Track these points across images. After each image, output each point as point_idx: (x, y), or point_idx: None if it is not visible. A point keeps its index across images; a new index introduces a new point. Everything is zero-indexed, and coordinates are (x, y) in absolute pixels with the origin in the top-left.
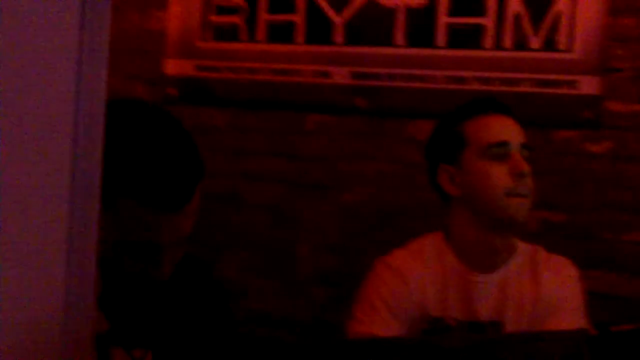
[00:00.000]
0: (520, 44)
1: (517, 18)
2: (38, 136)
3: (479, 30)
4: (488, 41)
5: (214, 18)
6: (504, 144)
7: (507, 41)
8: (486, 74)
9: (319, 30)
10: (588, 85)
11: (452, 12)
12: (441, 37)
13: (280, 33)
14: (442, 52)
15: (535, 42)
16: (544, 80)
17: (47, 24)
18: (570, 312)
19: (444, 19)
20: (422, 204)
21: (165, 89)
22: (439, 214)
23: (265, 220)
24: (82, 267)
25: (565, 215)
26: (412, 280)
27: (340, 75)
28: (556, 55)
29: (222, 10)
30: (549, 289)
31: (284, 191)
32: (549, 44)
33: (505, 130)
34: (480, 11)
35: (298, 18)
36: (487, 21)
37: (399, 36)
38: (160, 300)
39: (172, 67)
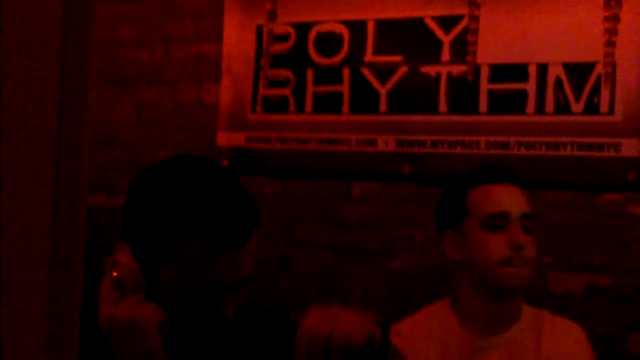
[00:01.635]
0: (562, 108)
1: (558, 82)
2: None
3: (520, 95)
4: (530, 106)
5: (264, 91)
6: (502, 214)
7: (549, 106)
8: (529, 139)
9: (364, 100)
10: (631, 148)
11: (494, 78)
12: (483, 104)
13: (327, 104)
14: (484, 118)
15: (577, 106)
16: (586, 143)
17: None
18: None
19: (485, 86)
20: None
21: (218, 160)
22: None
23: (314, 286)
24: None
25: (611, 279)
26: (418, 343)
27: (385, 143)
28: (598, 119)
29: (272, 83)
30: (554, 352)
31: (331, 257)
32: (591, 108)
33: (506, 200)
34: (522, 77)
35: (344, 89)
36: (529, 86)
37: (442, 103)
38: (225, 342)
39: (224, 138)
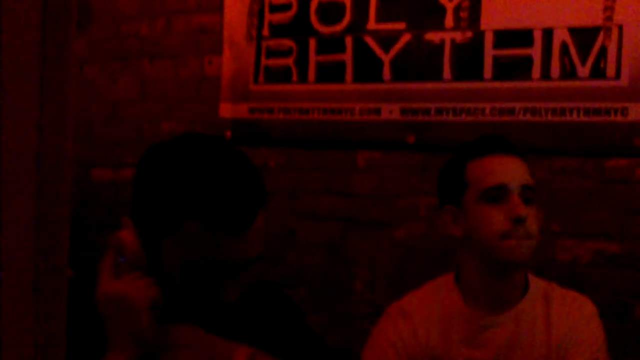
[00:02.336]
0: (568, 73)
1: (564, 47)
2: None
3: (526, 61)
4: (535, 72)
5: (266, 61)
6: (501, 187)
7: (555, 71)
8: (535, 105)
9: (367, 68)
10: (638, 112)
11: (498, 44)
12: (488, 70)
13: (330, 73)
14: (489, 84)
15: (582, 71)
16: (593, 108)
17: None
18: (589, 354)
19: (490, 51)
20: None
21: (221, 131)
22: None
23: (320, 257)
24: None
25: (619, 245)
26: (419, 322)
27: (390, 112)
28: (604, 83)
29: (274, 53)
30: (563, 330)
31: (338, 228)
32: (597, 72)
33: (505, 172)
34: (527, 42)
35: (347, 57)
36: (534, 52)
37: (446, 70)
38: (228, 323)
39: (227, 110)
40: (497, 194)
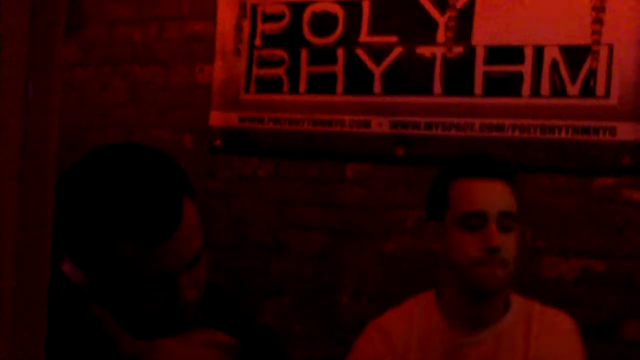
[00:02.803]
0: (558, 91)
1: (554, 65)
2: None
3: (516, 77)
4: (525, 89)
5: (257, 71)
6: (479, 214)
7: (545, 88)
8: (524, 122)
9: (358, 80)
10: (626, 131)
11: (489, 60)
12: (478, 86)
13: (321, 84)
14: (479, 100)
15: (572, 89)
16: (582, 127)
17: None
18: None
19: (481, 67)
20: None
21: (211, 140)
22: None
23: (307, 267)
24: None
25: (605, 264)
26: (397, 339)
27: (379, 125)
28: (594, 102)
29: (265, 63)
30: (542, 346)
31: (326, 239)
32: (587, 91)
33: (484, 199)
34: (518, 59)
35: (338, 69)
36: (524, 69)
37: (437, 85)
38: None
39: (217, 118)
40: (474, 221)
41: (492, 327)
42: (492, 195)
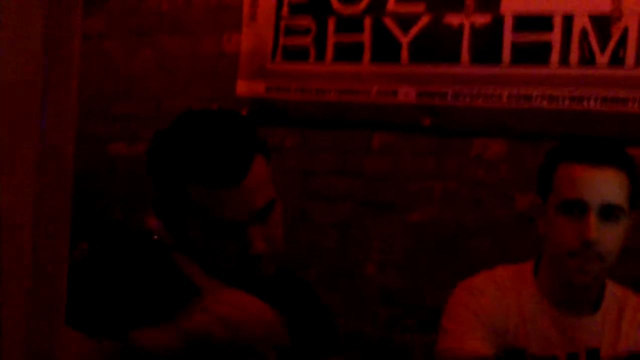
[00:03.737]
0: (587, 60)
1: (584, 34)
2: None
3: (544, 47)
4: (554, 57)
5: (284, 40)
6: (579, 202)
7: (574, 57)
8: (552, 92)
9: (385, 50)
10: None
11: (517, 29)
12: (506, 54)
13: (348, 53)
14: (507, 69)
15: (601, 59)
16: (610, 97)
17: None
18: None
19: (509, 36)
20: (488, 224)
21: (238, 109)
22: (504, 235)
23: (333, 238)
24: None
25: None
26: (496, 306)
27: (406, 95)
28: (623, 71)
29: (292, 31)
30: (632, 339)
31: (351, 210)
32: (616, 60)
33: (589, 186)
34: (546, 27)
35: (365, 38)
36: (553, 37)
37: (464, 54)
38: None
39: (244, 88)
40: (575, 209)
41: (590, 314)
42: (597, 184)
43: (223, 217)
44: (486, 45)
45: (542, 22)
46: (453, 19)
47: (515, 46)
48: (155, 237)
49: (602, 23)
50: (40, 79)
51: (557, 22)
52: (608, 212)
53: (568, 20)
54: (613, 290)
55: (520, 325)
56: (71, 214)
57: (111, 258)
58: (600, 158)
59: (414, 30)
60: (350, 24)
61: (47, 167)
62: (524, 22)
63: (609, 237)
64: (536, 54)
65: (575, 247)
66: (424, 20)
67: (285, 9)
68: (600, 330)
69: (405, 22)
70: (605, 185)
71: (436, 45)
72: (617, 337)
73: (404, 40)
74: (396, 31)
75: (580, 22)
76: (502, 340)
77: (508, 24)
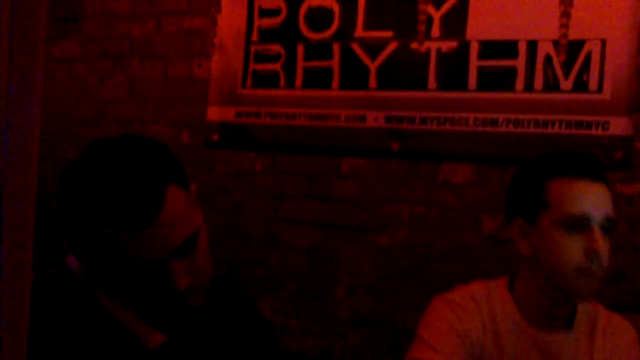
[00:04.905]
0: (551, 86)
1: (548, 60)
2: None
3: (510, 72)
4: (519, 83)
5: (254, 66)
6: (585, 217)
7: (538, 83)
8: (518, 116)
9: (354, 75)
10: (619, 126)
11: (483, 55)
12: (473, 80)
13: (317, 79)
14: (473, 94)
15: (565, 84)
16: (574, 121)
17: None
18: None
19: (475, 62)
20: (457, 247)
21: (208, 135)
22: (473, 258)
23: (303, 261)
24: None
25: None
26: (472, 320)
27: (375, 119)
28: (587, 97)
29: (262, 57)
30: (606, 353)
31: (321, 233)
32: (580, 86)
33: (591, 201)
34: (512, 54)
35: (334, 64)
36: (518, 63)
37: (432, 80)
38: (201, 330)
39: (215, 113)
40: (579, 225)
41: (560, 332)
42: (598, 198)
43: (139, 259)
44: (453, 70)
45: (508, 48)
46: (420, 46)
47: (481, 72)
48: (77, 274)
49: (565, 49)
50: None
51: (522, 48)
52: (608, 226)
53: (532, 46)
54: (584, 306)
55: (496, 342)
56: (34, 231)
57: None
58: (594, 173)
59: (382, 56)
60: (319, 50)
61: (9, 184)
62: (489, 48)
63: (607, 252)
64: (502, 79)
65: (582, 262)
66: (392, 46)
67: (255, 35)
68: (575, 346)
69: (373, 49)
70: (603, 199)
71: (404, 71)
72: (591, 353)
73: (372, 66)
74: (364, 57)
75: (545, 48)
76: (478, 357)
77: (474, 50)
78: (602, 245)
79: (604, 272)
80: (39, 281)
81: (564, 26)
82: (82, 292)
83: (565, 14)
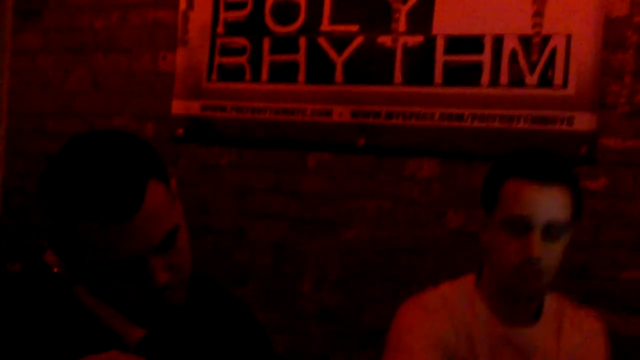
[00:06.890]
0: (516, 81)
1: (513, 55)
2: None
3: (475, 67)
4: (485, 78)
5: (220, 59)
6: (524, 219)
7: (504, 78)
8: (483, 111)
9: (320, 69)
10: (583, 121)
11: (449, 50)
12: (438, 75)
13: (283, 73)
14: (439, 89)
15: (531, 79)
16: (539, 116)
17: None
18: None
19: (441, 57)
20: (423, 241)
21: (173, 128)
22: (438, 252)
23: (269, 256)
24: None
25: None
26: (444, 320)
27: (340, 114)
28: (551, 92)
29: (228, 51)
30: (572, 346)
31: (287, 228)
32: (545, 81)
33: (534, 205)
34: (477, 48)
35: (300, 58)
36: (484, 58)
37: (397, 74)
38: (185, 327)
39: (180, 107)
40: (519, 226)
41: (528, 326)
42: (543, 202)
43: (118, 254)
44: (419, 65)
45: (473, 43)
46: (386, 39)
47: (447, 66)
48: (55, 270)
49: (531, 44)
50: None
51: (488, 43)
52: (551, 231)
53: (498, 41)
54: (550, 302)
55: (469, 343)
56: None
57: (8, 299)
58: (547, 175)
59: (348, 51)
60: (285, 44)
61: None
62: (455, 43)
63: (551, 254)
64: (467, 74)
65: (517, 263)
66: (358, 40)
67: (221, 28)
68: (543, 340)
69: (339, 43)
70: (550, 203)
71: (370, 66)
72: (558, 349)
73: (338, 60)
74: (330, 51)
75: (510, 43)
76: (452, 356)
77: (440, 44)
78: (537, 250)
79: (542, 274)
80: (16, 277)
81: (537, 25)
82: (61, 288)
83: (538, 14)
